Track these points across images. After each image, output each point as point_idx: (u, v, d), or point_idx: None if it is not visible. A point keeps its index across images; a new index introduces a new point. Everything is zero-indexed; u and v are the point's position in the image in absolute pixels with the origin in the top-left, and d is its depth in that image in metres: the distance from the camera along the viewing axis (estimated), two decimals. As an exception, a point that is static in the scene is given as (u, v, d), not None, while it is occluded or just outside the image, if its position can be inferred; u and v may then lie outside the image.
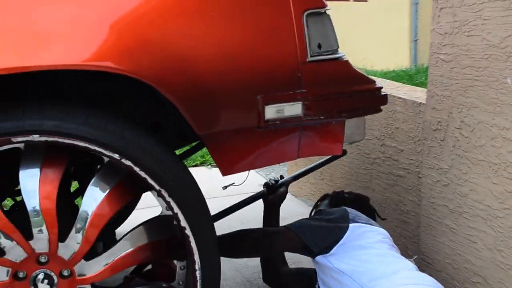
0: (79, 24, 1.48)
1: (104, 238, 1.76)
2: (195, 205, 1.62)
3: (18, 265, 1.61)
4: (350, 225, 2.01)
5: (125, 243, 1.65)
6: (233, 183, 2.33)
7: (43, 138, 1.49)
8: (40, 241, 1.59)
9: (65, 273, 1.63)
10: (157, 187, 1.57)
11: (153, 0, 1.55)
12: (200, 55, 1.55)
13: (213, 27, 1.57)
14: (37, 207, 1.57)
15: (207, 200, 1.69)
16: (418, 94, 2.58)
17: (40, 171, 1.58)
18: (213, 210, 1.94)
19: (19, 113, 1.49)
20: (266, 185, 2.28)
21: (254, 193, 2.37)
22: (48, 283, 1.63)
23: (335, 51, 1.73)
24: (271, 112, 1.65)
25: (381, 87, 1.80)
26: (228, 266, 2.72)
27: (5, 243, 1.59)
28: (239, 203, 2.42)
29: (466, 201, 1.99)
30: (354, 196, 2.40)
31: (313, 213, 2.38)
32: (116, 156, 1.53)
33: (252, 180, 3.33)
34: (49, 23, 1.46)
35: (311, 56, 1.67)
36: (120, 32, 1.50)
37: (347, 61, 1.74)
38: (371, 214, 2.30)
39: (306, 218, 2.17)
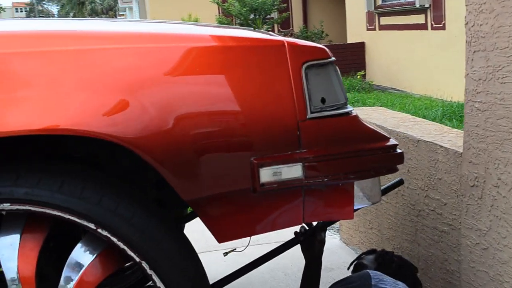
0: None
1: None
2: (184, 281, 1.48)
3: None
4: None
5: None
6: (235, 249, 2.17)
7: (14, 207, 1.41)
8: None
9: None
10: (137, 259, 1.44)
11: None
12: (181, 113, 1.43)
13: (197, 83, 1.45)
14: (16, 279, 1.48)
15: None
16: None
17: (20, 239, 1.50)
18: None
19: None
20: (297, 234, 2.11)
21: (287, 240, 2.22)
22: None
23: (342, 105, 1.56)
24: (266, 175, 1.50)
25: (396, 144, 1.61)
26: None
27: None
28: (270, 252, 2.27)
29: (507, 269, 1.75)
30: (402, 263, 2.17)
31: (351, 267, 2.19)
32: (92, 226, 1.42)
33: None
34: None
35: (312, 113, 1.50)
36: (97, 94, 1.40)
37: (355, 116, 1.56)
38: (414, 286, 2.08)
39: None
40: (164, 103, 1.41)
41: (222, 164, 1.47)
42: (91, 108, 1.38)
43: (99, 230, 1.42)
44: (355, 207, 1.63)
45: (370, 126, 1.59)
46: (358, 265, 2.16)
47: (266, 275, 3.11)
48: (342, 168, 1.54)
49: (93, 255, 1.49)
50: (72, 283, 1.49)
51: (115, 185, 1.49)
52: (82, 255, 1.50)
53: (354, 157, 1.54)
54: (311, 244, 2.14)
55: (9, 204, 1.40)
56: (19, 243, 1.49)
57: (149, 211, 1.49)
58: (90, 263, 1.49)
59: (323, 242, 2.15)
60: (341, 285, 1.94)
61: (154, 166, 1.42)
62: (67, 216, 1.41)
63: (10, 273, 1.47)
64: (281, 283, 3.00)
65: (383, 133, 1.60)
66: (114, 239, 1.43)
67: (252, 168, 1.48)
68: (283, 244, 2.21)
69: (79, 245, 1.50)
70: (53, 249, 1.59)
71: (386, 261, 2.10)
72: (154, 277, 1.45)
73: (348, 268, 2.22)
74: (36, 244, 1.50)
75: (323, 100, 1.52)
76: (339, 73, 1.59)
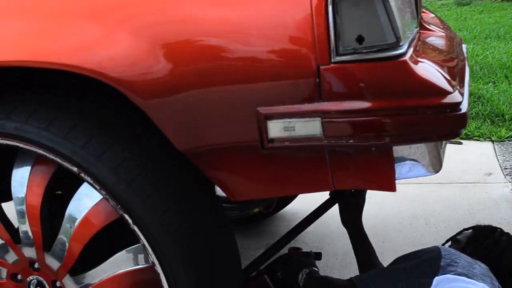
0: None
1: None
2: (167, 235, 1.30)
3: (13, 267, 1.51)
4: (436, 278, 1.46)
5: (110, 266, 1.42)
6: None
7: (4, 141, 1.33)
8: (27, 246, 1.46)
9: (58, 284, 1.48)
10: (119, 212, 1.29)
11: None
12: (173, 45, 1.20)
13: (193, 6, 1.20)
14: (23, 207, 1.44)
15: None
16: None
17: (31, 171, 1.43)
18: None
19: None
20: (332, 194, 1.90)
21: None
22: (40, 291, 1.51)
23: (392, 46, 1.17)
24: (276, 129, 1.21)
25: (459, 102, 1.19)
26: None
27: (-2, 243, 1.51)
28: (309, 216, 2.03)
29: None
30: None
31: (448, 244, 1.82)
32: (75, 169, 1.28)
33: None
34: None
35: (340, 55, 1.15)
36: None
37: (405, 62, 1.17)
38: None
39: (384, 269, 1.70)
40: (153, 33, 1.20)
41: (222, 111, 1.22)
42: (74, 41, 1.22)
43: (82, 175, 1.28)
44: (402, 177, 1.27)
45: (427, 74, 1.19)
46: (453, 241, 1.78)
47: (405, 221, 2.79)
48: (373, 128, 1.18)
49: (95, 200, 1.37)
50: (74, 226, 1.40)
51: (109, 128, 1.33)
52: (84, 198, 1.39)
53: (393, 116, 1.17)
54: (345, 208, 1.91)
55: (0, 138, 1.33)
56: (29, 175, 1.43)
57: (146, 159, 1.31)
58: (92, 208, 1.38)
59: (358, 207, 1.93)
60: (407, 259, 1.60)
61: (140, 106, 1.23)
62: (51, 156, 1.29)
63: (19, 201, 1.44)
64: (416, 232, 2.66)
65: (443, 85, 1.19)
66: (97, 187, 1.28)
67: (258, 120, 1.21)
68: (321, 205, 1.99)
69: (82, 187, 1.39)
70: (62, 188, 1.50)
71: (486, 239, 1.68)
72: (138, 232, 1.29)
73: (443, 245, 1.84)
74: (45, 179, 1.43)
75: (359, 39, 1.17)
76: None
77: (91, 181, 1.28)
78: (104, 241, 1.52)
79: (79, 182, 1.39)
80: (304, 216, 2.09)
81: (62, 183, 1.48)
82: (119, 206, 1.27)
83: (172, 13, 1.21)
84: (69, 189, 1.45)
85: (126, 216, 1.28)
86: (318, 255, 2.05)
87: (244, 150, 1.26)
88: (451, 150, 2.34)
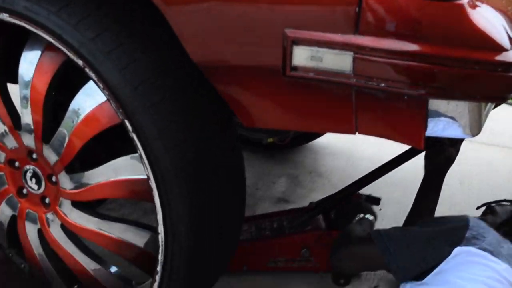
0: None
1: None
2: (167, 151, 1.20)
3: (11, 153, 1.45)
4: (457, 248, 1.35)
5: (107, 171, 1.34)
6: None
7: (12, 20, 1.23)
8: (27, 134, 1.39)
9: (53, 179, 1.41)
10: (120, 116, 1.19)
11: None
12: None
13: None
14: (27, 92, 1.35)
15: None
16: None
17: (40, 55, 1.34)
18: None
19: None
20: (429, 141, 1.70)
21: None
22: (36, 183, 1.44)
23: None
24: (302, 56, 1.07)
25: (510, 63, 1.03)
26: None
27: (-1, 126, 1.44)
28: (384, 165, 1.87)
29: None
30: None
31: (483, 209, 1.70)
32: (80, 63, 1.18)
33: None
34: None
35: (391, -19, 1.01)
36: None
37: (461, 5, 1.01)
38: None
39: (407, 229, 1.59)
40: None
41: (247, 27, 1.09)
42: None
43: (87, 70, 1.18)
44: (434, 134, 1.13)
45: (485, 23, 1.03)
46: (487, 209, 1.65)
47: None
48: (411, 75, 1.04)
49: (100, 99, 1.28)
50: (75, 122, 1.32)
51: (130, 21, 1.21)
52: (89, 94, 1.30)
53: (436, 64, 1.02)
54: (436, 156, 1.75)
55: (7, 15, 1.23)
56: (38, 60, 1.34)
57: (162, 64, 1.20)
58: (96, 106, 1.29)
59: (451, 159, 1.74)
60: (434, 223, 1.49)
61: (158, 6, 1.11)
62: (57, 44, 1.19)
63: (24, 84, 1.36)
64: (448, 191, 2.51)
65: (501, 40, 1.03)
66: (100, 85, 1.18)
67: (284, 43, 1.07)
68: (405, 152, 1.80)
69: (90, 82, 1.29)
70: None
71: None
72: (136, 141, 1.19)
73: (478, 208, 1.71)
74: (53, 66, 1.33)
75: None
76: None
77: (95, 78, 1.18)
78: (108, 145, 1.44)
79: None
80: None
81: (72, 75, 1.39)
82: (120, 110, 1.17)
83: None
84: (79, 82, 1.36)
85: (126, 122, 1.18)
86: (376, 200, 1.97)
87: (263, 74, 1.13)
88: (502, 111, 2.16)
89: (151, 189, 1.23)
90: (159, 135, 1.17)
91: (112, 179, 1.34)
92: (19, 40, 1.40)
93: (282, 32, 1.06)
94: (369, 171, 1.89)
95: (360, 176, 1.91)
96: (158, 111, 1.17)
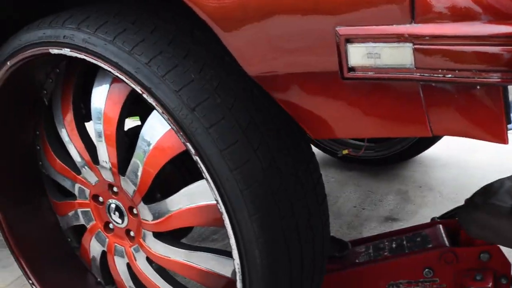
0: None
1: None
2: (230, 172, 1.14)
3: (94, 188, 1.46)
4: None
5: (183, 198, 1.31)
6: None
7: (73, 54, 1.24)
8: (104, 168, 1.39)
9: (134, 211, 1.40)
10: (181, 139, 1.15)
11: None
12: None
13: None
14: (100, 128, 1.36)
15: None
16: None
17: (109, 89, 1.35)
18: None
19: (61, 20, 1.26)
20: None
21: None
22: (119, 216, 1.44)
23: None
24: (358, 55, 0.99)
25: None
26: None
27: (80, 162, 1.45)
28: None
29: None
30: None
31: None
32: (138, 89, 1.16)
33: None
34: None
35: (442, -35, 0.91)
36: None
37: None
38: None
39: None
40: None
41: (297, 30, 1.02)
42: None
43: (145, 95, 1.16)
44: (516, 127, 1.00)
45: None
46: None
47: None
48: (479, 60, 0.92)
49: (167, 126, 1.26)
50: (146, 152, 1.30)
51: (185, 42, 1.18)
52: (157, 122, 1.28)
53: (502, 45, 0.90)
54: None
55: (69, 49, 1.24)
56: (107, 94, 1.35)
57: (219, 83, 1.16)
58: (164, 134, 1.27)
59: None
60: None
61: (209, 24, 1.07)
62: (116, 73, 1.18)
63: (97, 120, 1.37)
64: None
65: None
66: (159, 110, 1.16)
67: (338, 43, 1.00)
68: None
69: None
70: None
71: None
72: (200, 164, 1.14)
73: None
74: (121, 98, 1.34)
75: None
76: None
77: (153, 103, 1.16)
78: (183, 172, 1.43)
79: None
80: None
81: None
82: (180, 133, 1.14)
83: None
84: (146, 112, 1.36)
85: (188, 145, 1.14)
86: None
87: (322, 80, 1.06)
88: None
89: (221, 213, 1.18)
90: (222, 156, 1.13)
91: (189, 206, 1.32)
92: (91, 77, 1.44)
93: (334, 32, 1.00)
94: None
95: (474, 187, 1.75)
96: (218, 132, 1.13)
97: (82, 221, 1.56)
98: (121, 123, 1.35)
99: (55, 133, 1.58)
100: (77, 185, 1.51)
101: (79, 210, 1.55)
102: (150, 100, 1.16)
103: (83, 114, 1.48)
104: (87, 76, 1.46)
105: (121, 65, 1.17)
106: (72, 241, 1.72)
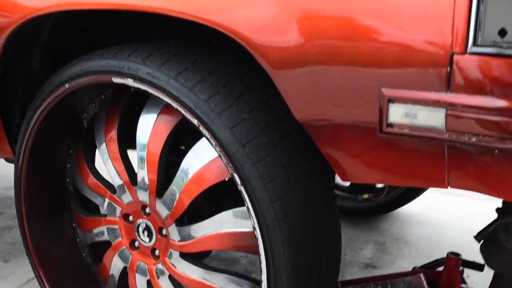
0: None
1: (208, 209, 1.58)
2: (273, 204, 1.30)
3: (126, 207, 1.59)
4: None
5: (223, 221, 1.46)
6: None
7: (136, 84, 1.39)
8: (142, 188, 1.53)
9: (164, 232, 1.54)
10: (230, 170, 1.31)
11: None
12: (305, 15, 1.19)
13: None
14: (144, 153, 1.51)
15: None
16: None
17: (156, 118, 1.50)
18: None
19: (126, 53, 1.41)
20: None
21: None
22: (147, 235, 1.57)
23: (536, 45, 1.10)
24: (397, 114, 1.17)
25: None
26: None
27: (117, 181, 1.59)
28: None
29: None
30: None
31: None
32: (195, 122, 1.32)
33: None
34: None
35: (478, 46, 1.10)
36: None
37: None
38: None
39: None
40: (293, 2, 1.20)
41: (347, 87, 1.20)
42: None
43: (201, 128, 1.32)
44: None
45: None
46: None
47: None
48: (500, 129, 1.11)
49: (211, 156, 1.42)
50: (186, 179, 1.45)
51: (238, 85, 1.35)
52: (200, 153, 1.44)
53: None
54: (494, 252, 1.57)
55: (132, 80, 1.39)
56: (154, 122, 1.50)
57: (266, 124, 1.33)
58: (207, 163, 1.43)
59: None
60: None
61: (267, 70, 1.24)
62: (175, 106, 1.34)
63: (141, 146, 1.52)
64: None
65: None
66: (213, 142, 1.31)
67: (381, 102, 1.18)
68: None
69: (201, 142, 1.44)
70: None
71: None
72: (244, 194, 1.30)
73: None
74: (167, 128, 1.49)
75: (502, 32, 1.10)
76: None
77: (208, 136, 1.31)
78: (213, 198, 1.57)
79: (198, 138, 1.46)
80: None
81: (185, 137, 1.54)
82: (230, 164, 1.30)
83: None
84: (190, 144, 1.52)
85: (236, 176, 1.30)
86: (480, 267, 1.96)
87: (361, 130, 1.23)
88: None
89: (255, 239, 1.33)
90: (265, 189, 1.29)
91: (218, 232, 1.46)
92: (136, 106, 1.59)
93: (379, 91, 1.18)
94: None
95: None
96: (264, 167, 1.29)
97: (106, 237, 1.69)
98: (164, 151, 1.49)
99: (91, 152, 1.73)
100: (109, 203, 1.64)
101: (106, 227, 1.67)
102: (205, 133, 1.31)
103: (125, 138, 1.62)
104: (131, 104, 1.62)
105: (182, 99, 1.32)
106: (86, 256, 1.83)
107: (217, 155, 1.38)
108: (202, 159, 1.43)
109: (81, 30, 1.73)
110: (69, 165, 1.77)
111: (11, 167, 3.57)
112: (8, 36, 1.54)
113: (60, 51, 1.74)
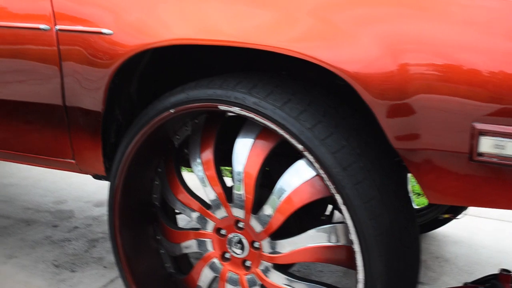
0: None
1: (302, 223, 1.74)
2: (374, 225, 1.47)
3: (220, 222, 1.75)
4: None
5: (313, 236, 1.62)
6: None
7: (242, 113, 1.55)
8: (238, 206, 1.69)
9: (256, 245, 1.70)
10: (333, 191, 1.47)
11: None
12: (409, 53, 1.36)
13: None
14: (241, 173, 1.67)
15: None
16: None
17: (253, 142, 1.66)
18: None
19: (232, 84, 1.58)
20: None
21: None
22: (240, 248, 1.73)
23: None
24: (487, 145, 1.34)
25: None
26: None
27: (212, 198, 1.74)
28: None
29: None
30: None
31: None
32: (300, 147, 1.49)
33: None
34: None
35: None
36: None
37: None
38: None
39: None
40: (395, 40, 1.37)
41: (442, 119, 1.37)
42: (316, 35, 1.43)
43: (305, 153, 1.48)
44: None
45: None
46: None
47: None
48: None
49: (307, 177, 1.58)
50: (282, 197, 1.61)
51: (334, 116, 1.52)
52: (297, 174, 1.60)
53: None
54: None
55: (238, 108, 1.56)
56: (251, 146, 1.66)
57: (361, 151, 1.50)
58: (302, 184, 1.59)
59: None
60: None
61: (368, 102, 1.41)
62: (281, 132, 1.50)
63: (238, 166, 1.67)
64: None
65: None
66: (316, 165, 1.48)
67: (472, 134, 1.35)
68: None
69: (297, 164, 1.60)
70: (280, 161, 1.72)
71: None
72: (345, 212, 1.46)
73: None
74: (264, 151, 1.65)
75: None
76: None
77: (312, 160, 1.47)
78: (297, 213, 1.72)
79: (287, 161, 1.64)
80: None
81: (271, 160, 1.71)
82: (333, 186, 1.46)
83: (414, 25, 1.38)
84: (277, 166, 1.70)
85: (338, 196, 1.46)
86: None
87: (453, 158, 1.39)
88: None
89: (354, 252, 1.49)
90: (364, 207, 1.45)
91: (309, 246, 1.62)
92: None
93: (471, 125, 1.35)
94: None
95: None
96: (362, 188, 1.46)
97: (195, 249, 1.84)
98: (260, 172, 1.65)
99: (178, 170, 1.89)
100: (201, 218, 1.80)
101: (196, 240, 1.83)
102: (310, 157, 1.48)
103: (220, 158, 1.78)
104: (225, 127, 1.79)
105: (288, 127, 1.49)
106: (169, 267, 1.99)
107: (311, 176, 1.56)
108: (297, 180, 1.59)
109: (170, 60, 1.91)
110: (156, 182, 1.93)
111: (57, 182, 3.77)
112: (116, 69, 1.71)
113: (152, 78, 1.91)
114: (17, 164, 3.70)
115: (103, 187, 3.63)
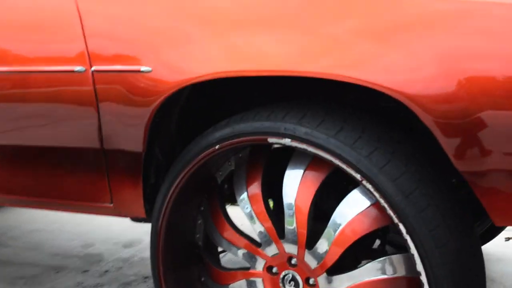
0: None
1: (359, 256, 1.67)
2: (440, 253, 1.39)
3: (271, 260, 1.68)
4: None
5: (371, 269, 1.54)
6: None
7: (294, 144, 1.49)
8: (290, 242, 1.62)
9: (311, 281, 1.62)
10: (395, 220, 1.40)
11: None
12: (470, 74, 1.31)
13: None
14: (292, 207, 1.60)
15: None
16: None
17: (303, 174, 1.59)
18: None
19: (280, 115, 1.52)
20: None
21: None
22: (294, 286, 1.65)
23: None
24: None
25: None
26: None
27: (264, 236, 1.67)
28: None
29: None
30: None
31: None
32: (358, 176, 1.42)
33: None
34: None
35: None
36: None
37: None
38: None
39: None
40: (455, 63, 1.31)
41: (504, 139, 1.30)
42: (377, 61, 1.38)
43: (364, 182, 1.42)
44: None
45: None
46: None
47: None
48: None
49: (363, 207, 1.51)
50: (338, 229, 1.54)
51: (389, 141, 1.46)
52: (352, 204, 1.53)
53: None
54: None
55: (289, 140, 1.49)
56: (301, 178, 1.60)
57: (420, 176, 1.43)
58: (358, 214, 1.52)
59: None
60: None
61: (429, 125, 1.35)
62: (336, 162, 1.44)
63: (289, 200, 1.60)
64: None
65: None
66: (376, 195, 1.41)
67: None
68: None
69: (352, 194, 1.53)
70: (329, 192, 1.65)
71: None
72: (409, 242, 1.39)
73: None
74: (315, 183, 1.58)
75: None
76: None
77: (371, 189, 1.41)
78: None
79: (335, 191, 1.58)
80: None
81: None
82: (396, 215, 1.39)
83: (477, 47, 1.32)
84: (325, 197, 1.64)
85: (401, 226, 1.39)
86: None
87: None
88: None
89: (418, 284, 1.42)
90: (430, 235, 1.38)
91: (368, 279, 1.54)
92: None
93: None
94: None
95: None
96: (427, 216, 1.38)
97: (247, 289, 1.77)
98: (312, 205, 1.58)
99: (223, 207, 1.82)
100: (251, 256, 1.72)
101: (246, 280, 1.75)
102: (369, 186, 1.41)
103: (268, 193, 1.71)
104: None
105: (344, 156, 1.42)
106: (215, 307, 1.91)
107: (367, 206, 1.49)
108: (353, 210, 1.52)
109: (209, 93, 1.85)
110: (199, 221, 1.86)
111: (83, 224, 3.70)
112: (158, 107, 1.65)
113: (191, 114, 1.85)
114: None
115: (130, 226, 3.54)
